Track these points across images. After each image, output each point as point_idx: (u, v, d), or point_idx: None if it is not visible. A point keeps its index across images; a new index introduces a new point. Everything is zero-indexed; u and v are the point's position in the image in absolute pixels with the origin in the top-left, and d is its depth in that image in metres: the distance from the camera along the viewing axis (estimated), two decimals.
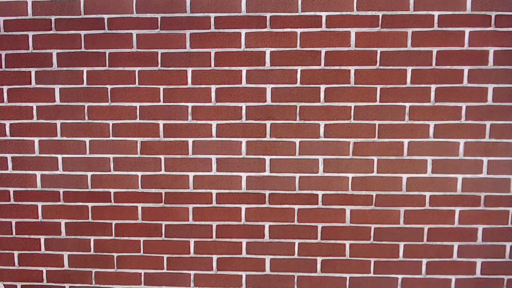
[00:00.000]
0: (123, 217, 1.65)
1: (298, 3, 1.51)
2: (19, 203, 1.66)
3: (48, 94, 1.59)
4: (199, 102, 1.57)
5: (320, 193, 1.60)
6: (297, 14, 1.51)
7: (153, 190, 1.63)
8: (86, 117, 1.60)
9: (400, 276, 1.64)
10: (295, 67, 1.55)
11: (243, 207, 1.63)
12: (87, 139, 1.61)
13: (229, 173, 1.61)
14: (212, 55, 1.54)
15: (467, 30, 1.49)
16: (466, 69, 1.52)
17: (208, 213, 1.64)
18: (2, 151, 1.64)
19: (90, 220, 1.66)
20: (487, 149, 1.55)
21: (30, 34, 1.56)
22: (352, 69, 1.54)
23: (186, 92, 1.57)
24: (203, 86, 1.57)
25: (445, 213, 1.60)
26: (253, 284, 1.68)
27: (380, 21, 1.50)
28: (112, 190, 1.64)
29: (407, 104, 1.55)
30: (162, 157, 1.61)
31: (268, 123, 1.57)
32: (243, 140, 1.59)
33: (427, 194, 1.60)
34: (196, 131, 1.59)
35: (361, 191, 1.60)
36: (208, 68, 1.55)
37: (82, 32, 1.55)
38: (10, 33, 1.57)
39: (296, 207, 1.62)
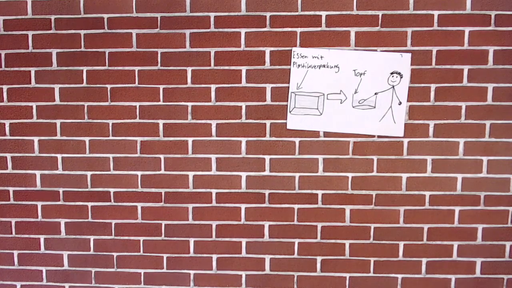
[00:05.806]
0: (123, 216, 1.65)
1: (297, 2, 1.51)
2: (19, 202, 1.66)
3: (48, 93, 1.59)
4: (199, 102, 1.57)
5: (320, 192, 1.60)
6: (296, 13, 1.51)
7: (153, 190, 1.63)
8: (86, 117, 1.60)
9: (400, 276, 1.64)
10: None
11: (243, 206, 1.63)
12: (87, 139, 1.61)
13: (229, 173, 1.61)
14: (212, 54, 1.54)
15: (467, 30, 1.49)
16: (466, 68, 1.51)
17: (208, 212, 1.64)
18: (1, 150, 1.64)
19: (89, 219, 1.66)
20: (487, 148, 1.55)
21: (30, 33, 1.56)
22: None
23: (186, 92, 1.57)
24: (203, 85, 1.57)
25: (445, 213, 1.60)
26: (253, 284, 1.67)
27: (380, 20, 1.50)
28: (112, 190, 1.64)
29: (407, 104, 1.54)
30: (162, 156, 1.61)
31: (268, 122, 1.57)
32: (243, 140, 1.59)
33: (427, 193, 1.59)
34: (196, 130, 1.59)
35: (361, 190, 1.60)
36: (208, 68, 1.55)
37: (82, 32, 1.55)
38: (9, 32, 1.56)
39: (296, 206, 1.62)
